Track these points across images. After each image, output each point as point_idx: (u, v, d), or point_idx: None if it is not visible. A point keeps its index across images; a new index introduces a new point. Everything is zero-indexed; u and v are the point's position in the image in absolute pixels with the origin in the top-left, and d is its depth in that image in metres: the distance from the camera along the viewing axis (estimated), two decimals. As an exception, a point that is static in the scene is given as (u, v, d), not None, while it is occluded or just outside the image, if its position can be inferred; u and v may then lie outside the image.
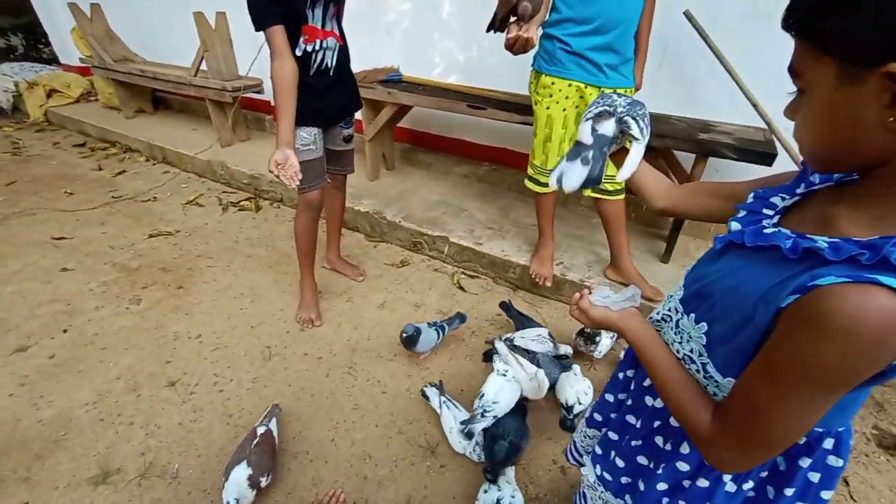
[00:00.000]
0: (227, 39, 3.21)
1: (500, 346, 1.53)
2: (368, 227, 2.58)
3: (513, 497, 1.19)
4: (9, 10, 5.68)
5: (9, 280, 2.16)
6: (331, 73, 1.63)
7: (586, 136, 0.77)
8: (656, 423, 0.66)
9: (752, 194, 0.60)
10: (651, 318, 0.71)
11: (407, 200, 2.66)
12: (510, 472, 1.28)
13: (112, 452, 1.38)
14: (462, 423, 1.36)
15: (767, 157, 1.72)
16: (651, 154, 1.97)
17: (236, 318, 1.95)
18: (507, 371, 1.45)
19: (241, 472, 1.15)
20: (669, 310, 0.66)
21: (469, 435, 1.35)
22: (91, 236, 2.56)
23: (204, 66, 3.29)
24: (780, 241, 0.47)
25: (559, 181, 0.76)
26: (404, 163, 3.17)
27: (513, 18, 1.30)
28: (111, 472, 1.32)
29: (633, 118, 0.77)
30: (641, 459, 0.68)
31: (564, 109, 1.64)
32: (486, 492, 1.21)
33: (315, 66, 1.58)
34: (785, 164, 1.81)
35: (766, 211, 0.56)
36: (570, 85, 1.59)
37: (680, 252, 2.19)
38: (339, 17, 1.62)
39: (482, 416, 1.34)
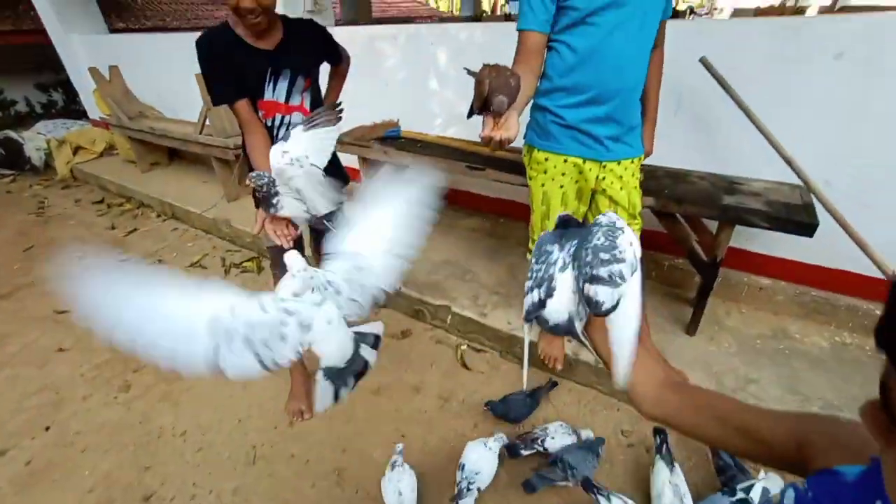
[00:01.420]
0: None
1: None
2: (369, 292, 2.44)
3: None
4: (52, 67, 6.07)
5: (6, 363, 2.14)
6: None
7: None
8: None
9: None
10: None
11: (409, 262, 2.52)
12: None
13: (73, 592, 1.26)
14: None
15: (807, 228, 1.48)
16: (669, 219, 1.76)
17: (224, 408, 1.83)
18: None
19: None
20: None
21: None
22: (93, 308, 2.53)
23: (210, 122, 3.30)
24: None
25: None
26: (409, 215, 3.04)
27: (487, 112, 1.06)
28: None
29: (592, 278, 0.58)
30: None
31: (562, 186, 1.46)
32: None
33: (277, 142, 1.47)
34: (829, 233, 1.56)
35: None
36: (566, 161, 1.42)
37: (710, 321, 1.95)
38: (313, 88, 1.52)
39: (467, 489, 1.35)
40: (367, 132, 2.53)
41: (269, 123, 1.45)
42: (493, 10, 20.03)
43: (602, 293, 0.58)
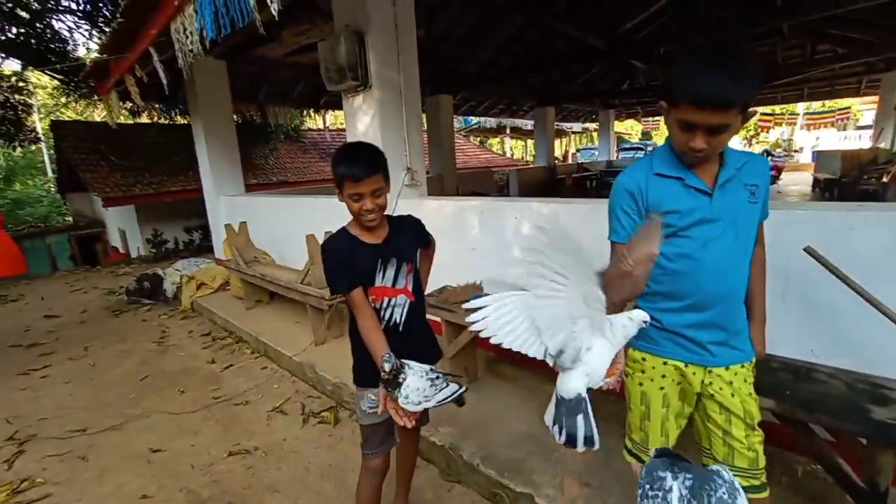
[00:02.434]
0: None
1: None
2: (444, 463, 2.29)
3: None
4: (198, 214, 7.54)
5: (98, 507, 2.22)
6: (399, 329, 1.62)
7: None
8: None
9: None
10: None
11: (489, 431, 2.37)
12: None
13: None
14: None
15: None
16: (797, 427, 1.51)
17: None
18: None
19: None
20: None
21: None
22: (181, 449, 2.65)
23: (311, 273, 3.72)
24: None
25: None
26: (489, 374, 2.97)
27: None
28: None
29: None
30: None
31: (662, 388, 1.35)
32: None
33: (384, 322, 1.58)
34: None
35: None
36: (665, 363, 1.34)
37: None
38: (413, 269, 1.67)
39: None
40: (451, 295, 2.66)
41: (378, 306, 1.59)
42: (565, 157, 21.93)
43: None
